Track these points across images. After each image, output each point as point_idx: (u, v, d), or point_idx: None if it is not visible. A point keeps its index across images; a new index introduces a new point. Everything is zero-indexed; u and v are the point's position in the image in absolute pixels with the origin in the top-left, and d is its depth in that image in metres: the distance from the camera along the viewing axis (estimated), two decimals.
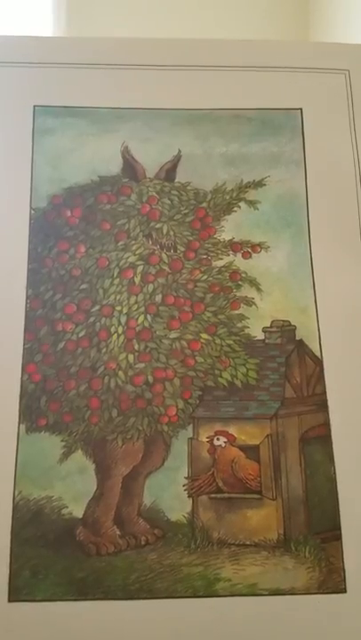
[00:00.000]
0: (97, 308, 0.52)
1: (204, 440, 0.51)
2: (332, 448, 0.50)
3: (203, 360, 0.52)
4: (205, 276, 0.54)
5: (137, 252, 0.54)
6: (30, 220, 0.54)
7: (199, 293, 0.54)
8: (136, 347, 0.52)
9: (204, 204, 0.56)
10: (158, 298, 0.53)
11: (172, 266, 0.54)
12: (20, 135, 0.56)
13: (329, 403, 0.51)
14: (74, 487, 0.49)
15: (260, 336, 0.53)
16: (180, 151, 0.57)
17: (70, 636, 0.45)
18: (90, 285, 0.53)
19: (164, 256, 0.54)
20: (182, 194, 0.56)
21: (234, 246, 0.55)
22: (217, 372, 0.52)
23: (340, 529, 0.48)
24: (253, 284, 0.54)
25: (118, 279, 0.53)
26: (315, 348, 0.53)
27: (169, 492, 0.49)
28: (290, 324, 0.53)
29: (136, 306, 0.52)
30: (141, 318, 0.52)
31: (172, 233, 0.55)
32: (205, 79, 0.59)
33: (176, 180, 0.56)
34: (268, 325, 0.53)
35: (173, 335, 0.52)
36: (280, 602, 0.47)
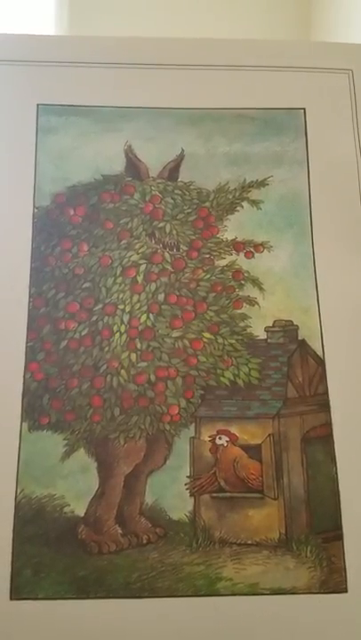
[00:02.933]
0: (100, 306, 0.52)
1: (207, 439, 0.51)
2: (333, 448, 0.50)
3: (205, 359, 0.52)
4: (208, 276, 0.54)
5: (140, 251, 0.54)
6: (33, 218, 0.54)
7: (202, 292, 0.54)
8: (139, 345, 0.52)
9: (207, 204, 0.56)
10: (161, 297, 0.53)
11: (175, 265, 0.54)
12: (24, 133, 0.56)
13: (331, 403, 0.51)
14: (76, 486, 0.49)
15: (263, 335, 0.53)
16: (183, 150, 0.57)
17: (72, 635, 0.45)
18: (93, 284, 0.53)
19: (166, 255, 0.54)
20: (185, 193, 0.56)
21: (236, 246, 0.55)
22: (219, 371, 0.52)
23: (341, 529, 0.48)
24: (256, 283, 0.54)
25: (121, 278, 0.53)
26: (317, 347, 0.53)
27: (171, 491, 0.49)
28: (292, 324, 0.53)
29: (139, 304, 0.52)
30: (144, 317, 0.52)
31: (174, 232, 0.55)
32: (208, 78, 0.59)
33: (179, 180, 0.56)
34: (271, 325, 0.53)
35: (176, 334, 0.52)
36: (281, 601, 0.47)
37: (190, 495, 0.49)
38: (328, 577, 0.47)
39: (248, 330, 0.53)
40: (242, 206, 0.56)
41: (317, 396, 0.52)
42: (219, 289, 0.54)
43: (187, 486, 0.49)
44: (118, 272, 0.53)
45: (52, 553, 0.47)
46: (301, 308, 0.53)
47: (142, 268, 0.53)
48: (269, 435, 0.51)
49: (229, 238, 0.55)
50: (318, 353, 0.52)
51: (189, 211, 0.55)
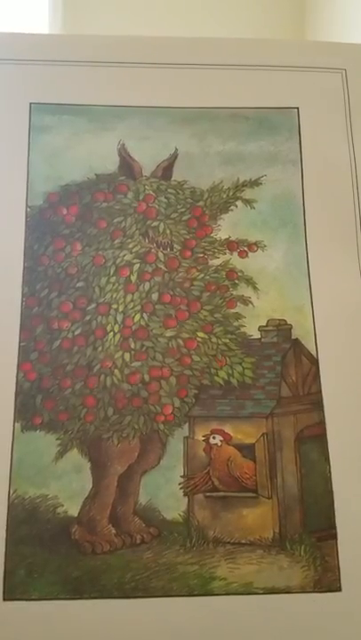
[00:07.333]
0: (93, 306, 0.52)
1: (200, 439, 0.51)
2: (327, 447, 0.50)
3: (199, 359, 0.52)
4: (202, 275, 0.54)
5: (133, 251, 0.54)
6: (26, 217, 0.54)
7: (195, 292, 0.53)
8: (132, 345, 0.52)
9: (201, 203, 0.56)
10: (155, 296, 0.53)
11: (169, 264, 0.54)
12: (17, 132, 0.56)
13: (325, 402, 0.51)
14: (69, 486, 0.49)
15: (257, 335, 0.53)
16: (176, 149, 0.57)
17: (66, 635, 0.45)
18: (86, 283, 0.53)
19: (160, 254, 0.54)
20: (179, 192, 0.56)
21: (230, 245, 0.55)
22: (213, 370, 0.52)
23: (335, 528, 0.48)
24: (250, 282, 0.54)
25: (115, 277, 0.53)
26: (311, 347, 0.53)
27: (165, 491, 0.49)
28: (286, 323, 0.53)
29: (132, 304, 0.52)
30: (138, 317, 0.52)
31: (168, 231, 0.55)
32: (202, 77, 0.59)
33: (173, 179, 0.56)
34: (265, 324, 0.53)
35: (170, 334, 0.52)
36: (275, 600, 0.47)
37: (184, 495, 0.49)
38: (322, 576, 0.47)
39: (242, 329, 0.53)
40: (236, 205, 0.56)
41: (311, 396, 0.52)
42: (212, 288, 0.54)
43: (180, 486, 0.49)
44: (112, 271, 0.53)
45: (45, 553, 0.47)
46: (295, 307, 0.53)
47: (136, 267, 0.53)
48: (263, 434, 0.51)
49: (223, 237, 0.55)
50: (312, 352, 0.52)
51: (183, 210, 0.55)
